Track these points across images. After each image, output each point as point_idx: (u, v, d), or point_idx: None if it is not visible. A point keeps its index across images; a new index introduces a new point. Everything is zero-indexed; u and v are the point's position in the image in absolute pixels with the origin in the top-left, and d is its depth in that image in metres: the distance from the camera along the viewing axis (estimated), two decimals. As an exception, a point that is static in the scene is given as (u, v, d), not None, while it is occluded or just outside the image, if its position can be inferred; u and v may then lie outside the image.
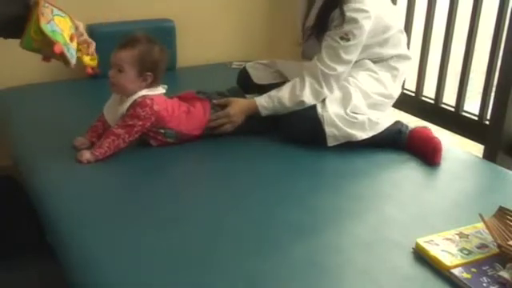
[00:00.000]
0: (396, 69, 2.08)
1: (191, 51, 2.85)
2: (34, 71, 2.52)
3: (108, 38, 2.55)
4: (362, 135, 1.87)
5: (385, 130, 1.91)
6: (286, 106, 1.93)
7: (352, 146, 1.87)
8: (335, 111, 1.89)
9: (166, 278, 1.22)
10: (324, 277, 1.25)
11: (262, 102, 1.95)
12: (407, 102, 2.48)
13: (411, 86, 2.56)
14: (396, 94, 2.10)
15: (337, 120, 1.86)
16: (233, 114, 1.93)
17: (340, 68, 1.92)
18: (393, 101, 2.10)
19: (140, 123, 1.78)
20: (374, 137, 1.89)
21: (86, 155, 1.73)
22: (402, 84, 2.14)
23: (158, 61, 1.81)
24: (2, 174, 2.24)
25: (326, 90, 1.92)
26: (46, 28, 1.59)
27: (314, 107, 1.91)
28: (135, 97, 1.79)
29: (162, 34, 2.69)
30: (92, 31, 2.54)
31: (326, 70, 1.91)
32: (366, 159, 1.84)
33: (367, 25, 1.91)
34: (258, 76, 2.26)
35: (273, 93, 1.96)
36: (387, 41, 2.04)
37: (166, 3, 2.75)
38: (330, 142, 1.87)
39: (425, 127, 1.98)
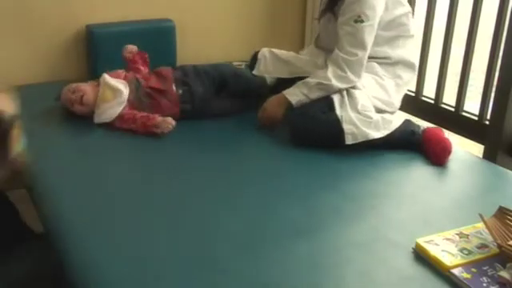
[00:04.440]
0: (400, 77, 2.08)
1: (191, 51, 2.85)
2: (34, 71, 2.52)
3: (108, 38, 2.58)
4: (378, 134, 1.87)
5: (399, 131, 1.90)
6: (310, 84, 1.97)
7: (363, 148, 1.86)
8: (353, 113, 1.89)
9: (166, 278, 1.22)
10: (324, 277, 1.25)
11: (289, 90, 2.02)
12: (407, 102, 2.48)
13: (411, 86, 2.55)
14: (397, 103, 2.10)
15: (355, 119, 1.86)
16: (267, 108, 2.04)
17: (360, 52, 1.95)
18: (394, 109, 2.09)
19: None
20: (389, 139, 1.88)
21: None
22: (402, 96, 2.14)
23: None
24: None
25: (350, 74, 1.94)
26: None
27: (332, 110, 1.90)
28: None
29: (161, 33, 2.71)
30: (92, 31, 2.55)
31: (347, 56, 1.95)
32: (366, 159, 1.84)
33: (377, 4, 1.93)
34: (268, 68, 2.31)
35: (297, 82, 2.03)
36: (397, 39, 2.05)
37: (166, 3, 2.75)
38: (348, 140, 1.84)
39: (437, 127, 1.99)
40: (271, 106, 2.04)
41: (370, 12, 1.93)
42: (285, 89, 2.05)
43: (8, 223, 2.08)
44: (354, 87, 1.96)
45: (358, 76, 1.96)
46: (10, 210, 1.72)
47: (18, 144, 1.49)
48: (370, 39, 1.96)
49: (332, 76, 1.95)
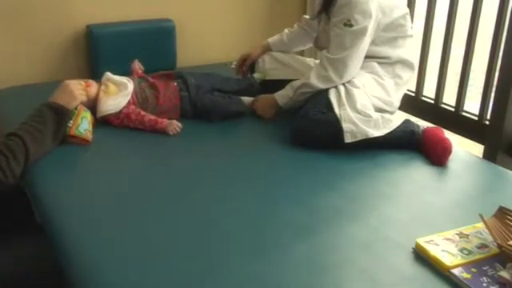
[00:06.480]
0: (400, 77, 2.09)
1: (191, 51, 2.85)
2: (33, 71, 2.53)
3: (108, 38, 2.58)
4: (378, 133, 1.87)
5: (399, 131, 1.90)
6: (294, 87, 2.05)
7: (363, 148, 1.86)
8: (352, 112, 1.89)
9: (167, 279, 1.22)
10: (324, 276, 1.25)
11: (279, 93, 2.13)
12: (407, 102, 2.49)
13: (411, 86, 2.56)
14: (396, 103, 2.10)
15: (354, 118, 1.86)
16: (257, 109, 2.18)
17: (343, 52, 1.96)
18: (393, 109, 2.09)
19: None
20: (389, 138, 1.88)
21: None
22: (402, 96, 2.15)
23: None
24: None
25: (331, 74, 1.96)
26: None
27: (331, 110, 1.90)
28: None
29: (162, 33, 2.71)
30: (92, 31, 2.55)
31: (329, 55, 1.99)
32: (366, 159, 1.84)
33: (370, 9, 1.93)
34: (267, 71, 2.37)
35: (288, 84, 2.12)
36: (396, 39, 2.06)
37: (166, 3, 2.76)
38: (348, 138, 1.84)
39: (437, 127, 1.99)
40: (262, 107, 2.17)
41: (359, 16, 1.92)
42: (274, 85, 2.17)
43: (15, 211, 2.08)
44: (352, 86, 1.96)
45: (340, 76, 1.97)
46: (21, 199, 1.74)
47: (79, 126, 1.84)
48: (358, 43, 1.96)
49: (313, 75, 2.00)
